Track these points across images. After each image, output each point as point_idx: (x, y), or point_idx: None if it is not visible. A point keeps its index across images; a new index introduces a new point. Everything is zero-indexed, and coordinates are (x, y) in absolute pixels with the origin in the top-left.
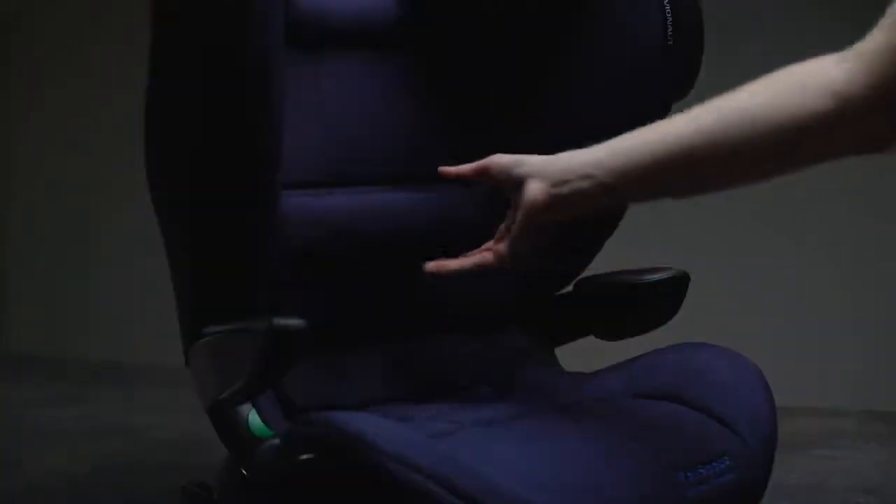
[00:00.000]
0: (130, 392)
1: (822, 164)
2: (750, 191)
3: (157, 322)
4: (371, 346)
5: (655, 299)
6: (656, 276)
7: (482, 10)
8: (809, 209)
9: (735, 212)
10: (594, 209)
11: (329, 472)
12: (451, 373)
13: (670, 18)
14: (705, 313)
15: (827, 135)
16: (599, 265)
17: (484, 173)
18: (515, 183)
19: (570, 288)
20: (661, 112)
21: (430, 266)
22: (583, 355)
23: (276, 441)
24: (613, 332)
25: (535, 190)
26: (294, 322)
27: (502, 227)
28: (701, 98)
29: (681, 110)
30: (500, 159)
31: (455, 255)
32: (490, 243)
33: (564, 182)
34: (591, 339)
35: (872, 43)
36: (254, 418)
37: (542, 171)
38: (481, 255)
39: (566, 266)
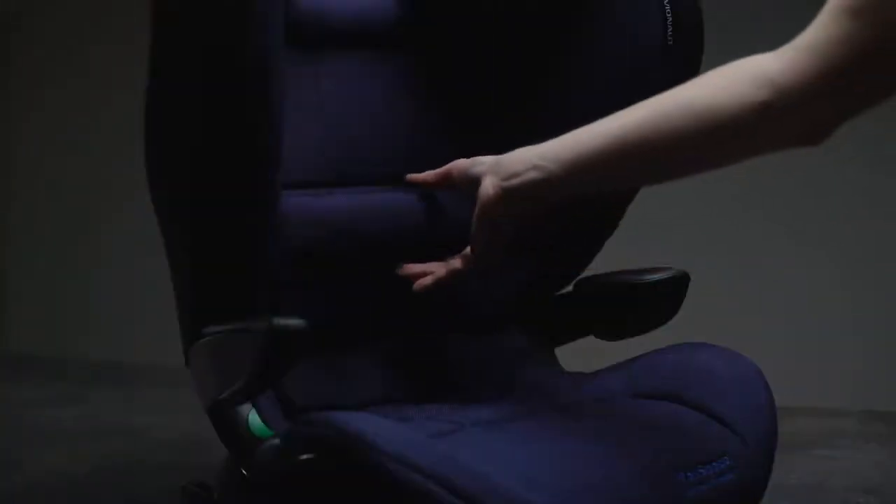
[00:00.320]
0: (130, 392)
1: (823, 165)
2: (750, 191)
3: (157, 322)
4: (371, 346)
5: (655, 299)
6: (656, 276)
7: (482, 10)
8: (809, 209)
9: (735, 212)
10: (548, 204)
11: (329, 472)
12: (451, 373)
13: (670, 18)
14: (705, 313)
15: (765, 125)
16: (599, 265)
17: (447, 178)
18: (474, 182)
19: (570, 288)
20: None
21: (417, 285)
22: (583, 355)
23: (276, 441)
24: (613, 332)
25: (486, 185)
26: (294, 322)
27: None
28: None
29: None
30: (459, 163)
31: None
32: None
33: (515, 175)
34: (591, 339)
35: (809, 36)
36: (254, 418)
37: (494, 167)
38: (454, 262)
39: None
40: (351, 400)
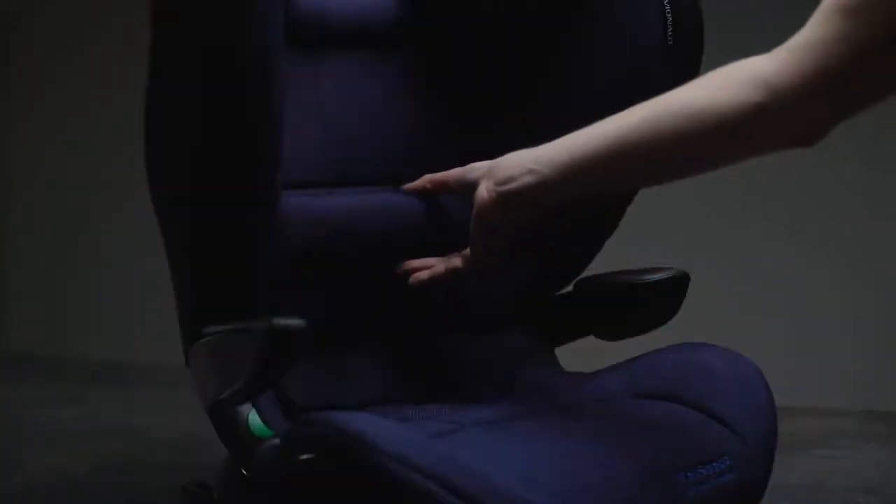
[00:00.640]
0: (130, 392)
1: (821, 164)
2: (750, 191)
3: (157, 322)
4: (371, 346)
5: (655, 299)
6: (656, 276)
7: (482, 10)
8: (809, 209)
9: (735, 212)
10: (545, 207)
11: (329, 472)
12: (451, 373)
13: (670, 18)
14: (705, 313)
15: (761, 125)
16: (599, 265)
17: (443, 187)
18: (470, 187)
19: (570, 288)
20: None
21: (412, 279)
22: (583, 355)
23: (276, 441)
24: (613, 332)
25: (482, 190)
26: (294, 322)
27: None
28: None
29: None
30: (455, 171)
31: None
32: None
33: (511, 179)
34: (591, 339)
35: (804, 36)
36: (254, 418)
37: (489, 171)
38: (454, 260)
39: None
40: (351, 400)
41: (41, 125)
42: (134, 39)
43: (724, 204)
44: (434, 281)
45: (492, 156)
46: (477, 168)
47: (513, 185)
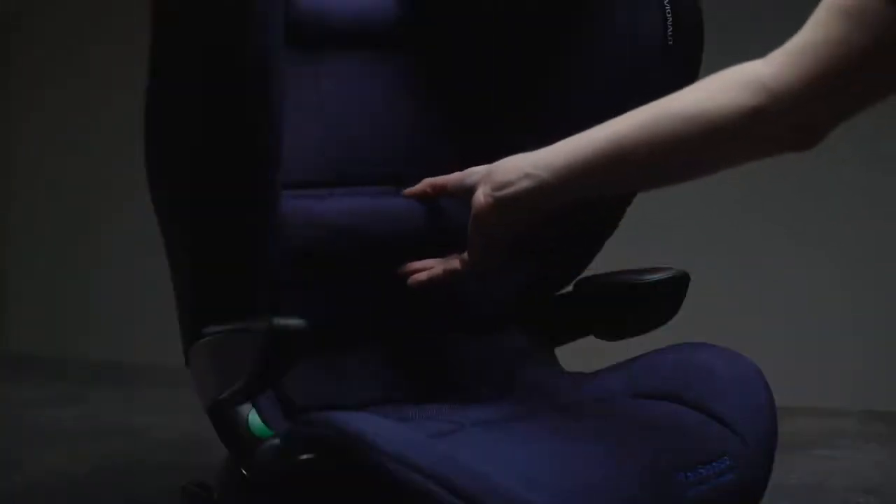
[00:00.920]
0: (130, 392)
1: (823, 165)
2: (750, 191)
3: (157, 322)
4: (371, 347)
5: (655, 299)
6: (656, 276)
7: (482, 10)
8: (809, 209)
9: (735, 212)
10: (544, 211)
11: (329, 472)
12: (451, 373)
13: (670, 18)
14: (705, 313)
15: (759, 128)
16: (599, 265)
17: (443, 190)
18: (468, 192)
19: (570, 288)
20: None
21: (411, 280)
22: (583, 355)
23: (276, 441)
24: (613, 332)
25: (479, 195)
26: (294, 322)
27: None
28: None
29: None
30: (454, 175)
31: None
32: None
33: (508, 184)
34: (591, 339)
35: (803, 38)
36: (254, 418)
37: (487, 176)
38: (453, 261)
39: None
40: (351, 400)
41: (41, 125)
42: (134, 39)
43: (724, 204)
44: (432, 282)
45: (492, 156)
46: (475, 172)
47: (510, 190)
